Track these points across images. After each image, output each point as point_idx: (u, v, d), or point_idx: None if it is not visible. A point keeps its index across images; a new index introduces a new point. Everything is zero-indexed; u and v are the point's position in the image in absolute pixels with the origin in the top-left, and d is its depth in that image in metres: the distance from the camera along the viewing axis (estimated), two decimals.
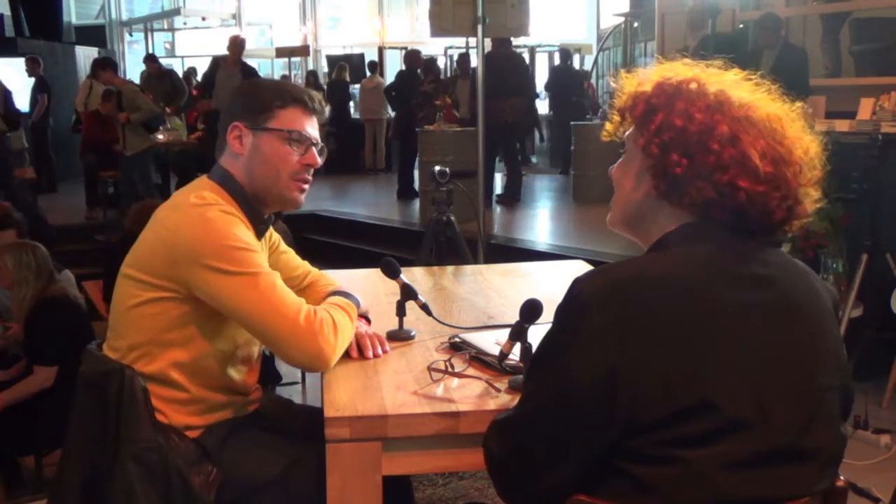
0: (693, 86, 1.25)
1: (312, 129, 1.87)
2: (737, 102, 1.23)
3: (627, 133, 1.33)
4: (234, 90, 1.96)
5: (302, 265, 2.14)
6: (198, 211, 1.72)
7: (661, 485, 1.11)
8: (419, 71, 10.00)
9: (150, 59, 11.12)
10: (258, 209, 1.85)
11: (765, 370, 1.15)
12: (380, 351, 1.84)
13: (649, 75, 1.30)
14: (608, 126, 1.37)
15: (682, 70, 1.29)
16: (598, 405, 1.13)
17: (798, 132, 1.25)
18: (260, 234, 1.88)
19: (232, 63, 8.57)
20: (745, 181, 1.18)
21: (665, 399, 1.11)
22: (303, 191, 1.88)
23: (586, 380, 1.13)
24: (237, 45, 8.62)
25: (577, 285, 1.18)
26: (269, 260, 1.95)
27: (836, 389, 1.22)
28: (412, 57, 10.19)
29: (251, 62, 9.79)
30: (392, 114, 11.00)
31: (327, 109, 1.94)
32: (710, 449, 1.10)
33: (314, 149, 1.86)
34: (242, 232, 1.74)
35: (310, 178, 1.88)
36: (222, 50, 8.76)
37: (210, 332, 1.76)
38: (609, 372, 1.12)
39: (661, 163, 1.22)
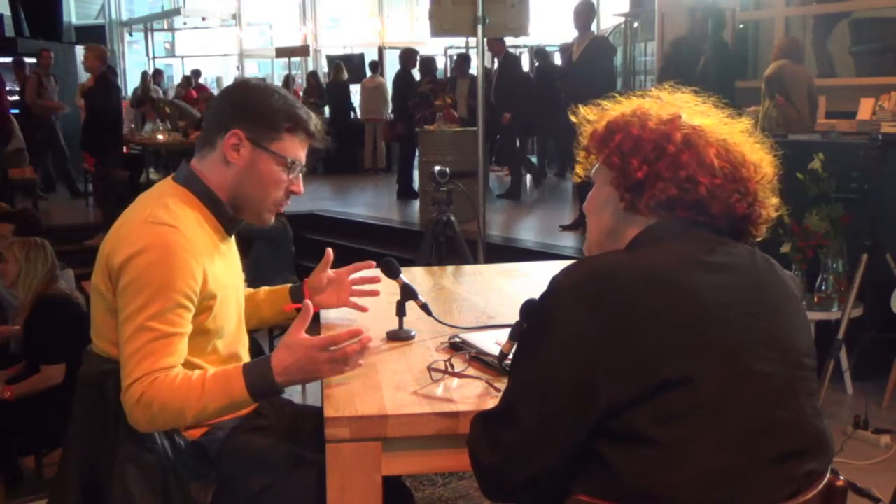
0: (650, 110, 1.34)
1: (305, 155, 1.84)
2: (687, 117, 1.32)
3: (594, 169, 1.39)
4: (234, 86, 1.87)
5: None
6: (148, 230, 1.63)
7: (639, 467, 1.13)
8: (415, 71, 9.95)
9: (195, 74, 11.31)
10: (227, 210, 1.80)
11: (741, 347, 1.18)
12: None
13: (607, 111, 1.39)
14: (578, 169, 1.45)
15: (636, 101, 1.38)
16: (579, 395, 1.16)
17: (749, 145, 1.33)
18: (229, 230, 1.83)
19: None
20: (704, 177, 1.25)
21: (644, 378, 1.13)
22: (277, 213, 1.87)
23: (566, 371, 1.17)
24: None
25: (554, 281, 1.22)
26: (226, 262, 1.84)
27: (810, 369, 1.26)
28: (407, 57, 10.10)
29: (251, 62, 9.77)
30: (391, 115, 10.91)
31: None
32: (688, 427, 1.12)
33: (300, 176, 1.84)
34: (184, 276, 1.62)
35: (289, 202, 1.86)
36: (222, 50, 8.70)
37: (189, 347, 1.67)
38: (588, 361, 1.15)
39: (622, 171, 1.30)
